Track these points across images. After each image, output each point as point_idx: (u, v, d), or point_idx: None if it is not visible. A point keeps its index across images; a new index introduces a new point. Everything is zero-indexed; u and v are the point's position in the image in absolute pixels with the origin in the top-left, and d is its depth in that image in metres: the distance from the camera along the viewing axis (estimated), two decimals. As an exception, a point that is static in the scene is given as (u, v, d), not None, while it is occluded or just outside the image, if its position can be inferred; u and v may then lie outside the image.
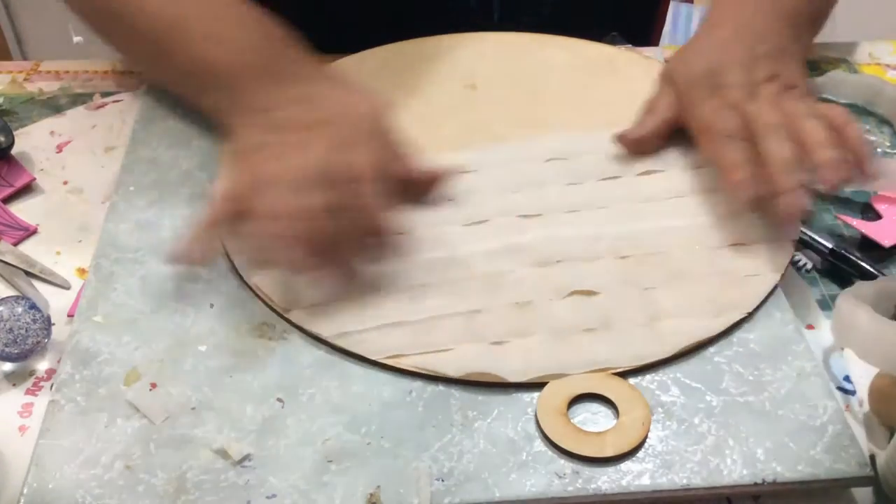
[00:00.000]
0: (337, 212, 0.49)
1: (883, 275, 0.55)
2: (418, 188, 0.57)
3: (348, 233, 0.50)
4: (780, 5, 0.62)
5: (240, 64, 0.55)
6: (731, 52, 0.59)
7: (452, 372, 0.47)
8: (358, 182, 0.50)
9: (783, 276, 0.53)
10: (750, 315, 0.51)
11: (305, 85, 0.55)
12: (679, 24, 1.96)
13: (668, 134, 0.61)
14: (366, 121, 0.53)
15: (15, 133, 0.64)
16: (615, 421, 0.46)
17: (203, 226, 0.51)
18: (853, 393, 0.50)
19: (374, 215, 0.51)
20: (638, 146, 0.61)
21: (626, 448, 0.45)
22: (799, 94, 0.58)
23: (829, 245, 0.57)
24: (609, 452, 0.44)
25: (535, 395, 0.47)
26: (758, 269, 0.53)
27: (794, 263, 0.57)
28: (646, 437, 0.45)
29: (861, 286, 0.49)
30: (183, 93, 0.62)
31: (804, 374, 0.48)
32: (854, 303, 0.46)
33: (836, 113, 0.55)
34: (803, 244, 0.58)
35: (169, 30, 0.56)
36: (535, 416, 0.46)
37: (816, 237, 0.57)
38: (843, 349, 0.52)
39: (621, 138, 0.61)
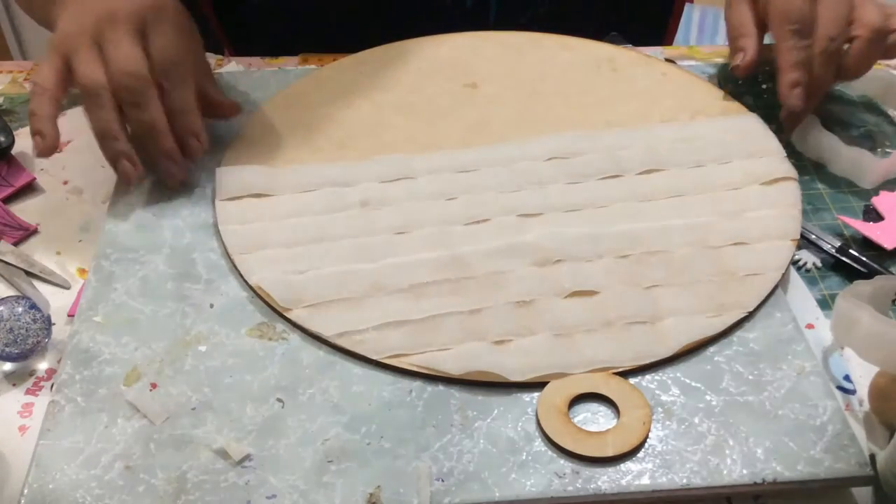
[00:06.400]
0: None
1: (889, 272, 0.55)
2: (209, 108, 0.61)
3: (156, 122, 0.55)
4: None
5: None
6: None
7: (453, 371, 0.47)
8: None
9: (783, 275, 0.53)
10: (750, 314, 0.51)
11: None
12: (680, 25, 1.95)
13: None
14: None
15: (15, 133, 0.64)
16: (616, 420, 0.46)
17: (36, 96, 0.54)
18: (853, 392, 0.50)
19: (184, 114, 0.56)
20: (752, 69, 0.65)
21: (626, 448, 0.45)
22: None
23: (837, 243, 0.57)
24: (610, 452, 0.44)
25: (536, 394, 0.47)
26: (758, 269, 0.53)
27: (794, 263, 0.57)
28: (646, 436, 0.45)
29: (858, 285, 0.49)
30: (46, 22, 0.64)
31: (804, 374, 0.48)
32: (854, 302, 0.46)
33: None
34: (808, 242, 0.58)
35: None
36: (536, 415, 0.46)
37: (822, 235, 0.58)
38: (842, 349, 0.52)
39: (736, 69, 0.65)
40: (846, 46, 0.63)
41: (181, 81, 0.56)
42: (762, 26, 0.65)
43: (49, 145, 0.55)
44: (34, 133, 0.55)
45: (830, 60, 0.62)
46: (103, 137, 0.55)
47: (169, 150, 0.56)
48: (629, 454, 0.45)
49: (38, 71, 0.56)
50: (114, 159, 0.56)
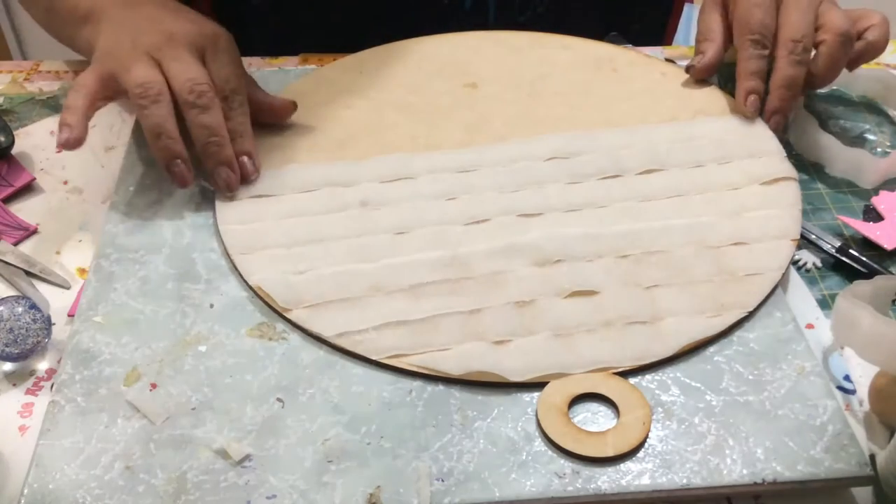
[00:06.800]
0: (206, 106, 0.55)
1: (889, 272, 0.55)
2: (265, 113, 0.62)
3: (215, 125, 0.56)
4: None
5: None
6: None
7: (453, 371, 0.47)
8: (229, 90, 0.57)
9: (783, 275, 0.53)
10: (750, 314, 0.51)
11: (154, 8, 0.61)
12: (680, 24, 1.95)
13: (726, 50, 0.67)
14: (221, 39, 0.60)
15: (15, 133, 0.64)
16: (615, 421, 0.46)
17: (76, 92, 0.55)
18: (853, 392, 0.50)
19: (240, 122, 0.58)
20: (707, 73, 0.67)
21: (626, 448, 0.45)
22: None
23: (837, 243, 0.57)
24: (610, 452, 0.44)
25: (536, 394, 0.47)
26: (758, 268, 0.53)
27: (794, 263, 0.57)
28: (646, 436, 0.45)
29: (858, 285, 0.49)
30: (70, 41, 0.66)
31: (804, 374, 0.48)
32: (854, 302, 0.46)
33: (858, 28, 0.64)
34: (808, 242, 0.58)
35: None
36: (536, 415, 0.46)
37: (822, 235, 0.58)
38: (842, 349, 0.52)
39: (690, 70, 0.67)
40: (813, 52, 0.63)
41: (239, 106, 0.58)
42: (731, 35, 0.66)
43: (75, 138, 0.54)
44: (61, 123, 0.54)
45: (799, 62, 0.62)
46: (158, 136, 0.54)
47: (230, 159, 0.57)
48: (629, 454, 0.45)
49: (80, 76, 0.56)
50: (167, 160, 0.55)
